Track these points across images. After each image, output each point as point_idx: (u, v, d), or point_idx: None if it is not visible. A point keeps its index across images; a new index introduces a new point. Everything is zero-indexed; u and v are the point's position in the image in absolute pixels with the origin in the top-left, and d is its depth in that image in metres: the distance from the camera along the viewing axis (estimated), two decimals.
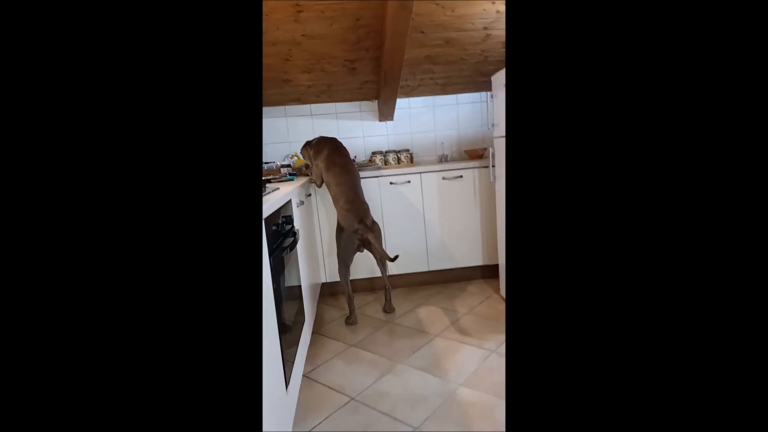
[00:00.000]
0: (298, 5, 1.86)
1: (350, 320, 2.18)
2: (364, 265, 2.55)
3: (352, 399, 1.52)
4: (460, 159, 2.87)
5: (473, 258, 2.62)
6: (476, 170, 2.52)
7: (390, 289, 2.29)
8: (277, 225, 1.33)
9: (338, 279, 2.26)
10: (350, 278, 2.20)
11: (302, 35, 2.07)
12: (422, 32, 2.17)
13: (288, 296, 1.40)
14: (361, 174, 2.46)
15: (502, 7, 2.04)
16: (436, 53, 2.38)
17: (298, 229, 1.65)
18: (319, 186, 2.29)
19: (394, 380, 1.62)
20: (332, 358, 1.84)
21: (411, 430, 1.33)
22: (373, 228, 2.10)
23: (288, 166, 2.63)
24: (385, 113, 2.80)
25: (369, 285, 2.67)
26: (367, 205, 2.15)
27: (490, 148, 2.35)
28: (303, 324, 1.68)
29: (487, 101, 2.94)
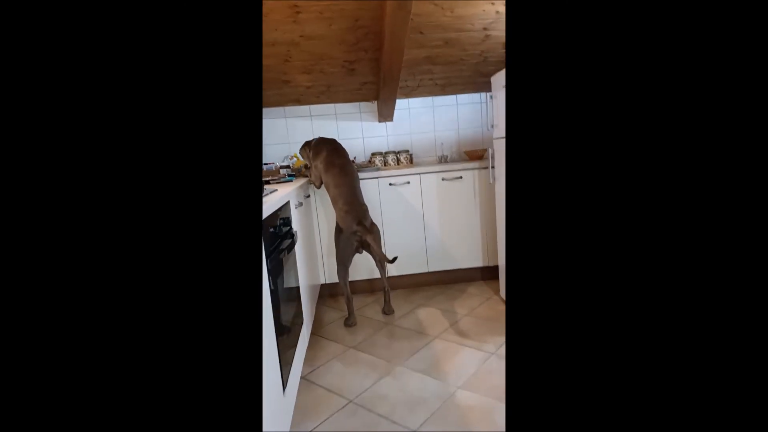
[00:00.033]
0: (296, 6, 1.85)
1: (349, 322, 2.17)
2: (363, 267, 2.54)
3: (351, 401, 1.51)
4: (460, 160, 2.87)
5: (473, 259, 2.61)
6: (476, 171, 2.51)
7: (389, 290, 2.28)
8: (275, 227, 1.32)
9: (338, 280, 2.25)
10: (350, 279, 2.19)
11: (301, 36, 2.07)
12: (421, 33, 2.16)
13: (286, 298, 1.39)
14: (361, 175, 2.45)
15: (502, 8, 2.03)
16: (435, 54, 2.37)
17: (296, 231, 1.65)
18: (318, 187, 2.28)
19: (393, 382, 1.61)
20: (331, 359, 1.83)
21: None
22: (372, 229, 2.10)
23: (287, 167, 2.62)
24: (385, 114, 2.79)
25: (368, 286, 2.66)
26: (365, 206, 2.14)
27: (490, 149, 2.34)
28: (301, 326, 1.67)
29: (486, 102, 2.93)
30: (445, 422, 1.35)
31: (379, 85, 2.56)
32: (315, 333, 2.12)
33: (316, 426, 1.39)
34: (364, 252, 2.20)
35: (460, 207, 2.55)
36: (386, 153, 2.77)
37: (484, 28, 2.18)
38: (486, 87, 2.82)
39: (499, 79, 2.06)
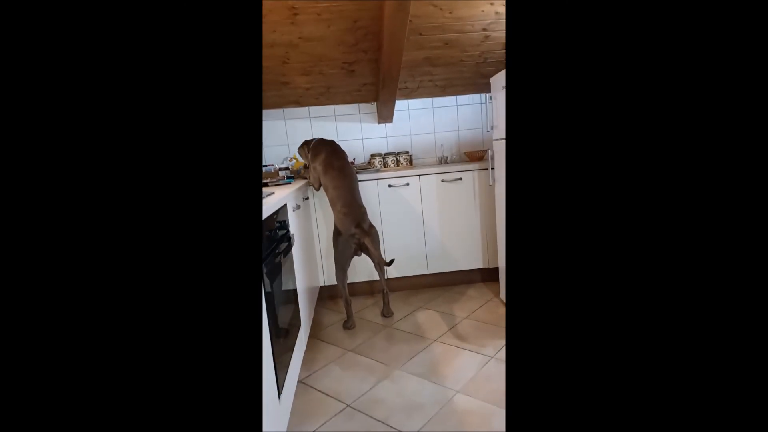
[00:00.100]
0: (294, 7, 1.84)
1: (348, 324, 2.16)
2: (362, 269, 2.53)
3: (348, 406, 1.50)
4: (460, 161, 2.85)
5: (473, 261, 2.60)
6: (475, 172, 2.50)
7: (388, 293, 2.27)
8: (271, 231, 1.31)
9: (336, 283, 2.25)
10: (349, 281, 2.18)
11: (299, 37, 2.06)
12: (421, 34, 2.15)
13: (283, 301, 1.38)
14: (360, 177, 2.44)
15: (501, 9, 2.02)
16: (435, 55, 2.36)
17: (293, 234, 1.64)
18: (317, 189, 2.28)
19: (391, 386, 1.60)
20: (329, 363, 1.82)
21: None
22: (370, 232, 2.08)
23: (286, 168, 2.61)
24: (384, 115, 2.78)
25: (368, 288, 2.65)
26: (364, 208, 2.13)
27: (490, 151, 2.32)
28: (299, 329, 1.66)
29: (486, 102, 2.91)
30: (443, 427, 1.34)
31: (378, 86, 2.55)
32: (313, 336, 2.12)
33: (313, 431, 1.38)
34: (363, 254, 2.19)
35: (460, 208, 2.53)
36: (386, 154, 2.76)
37: (484, 29, 2.17)
38: (486, 88, 2.81)
39: (498, 81, 2.04)
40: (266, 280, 1.14)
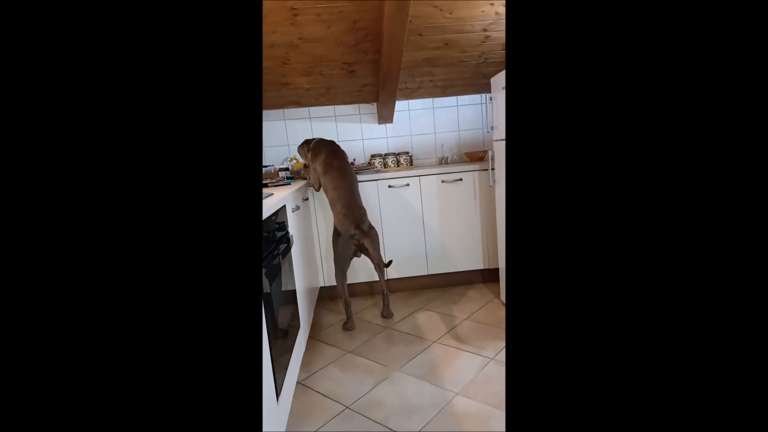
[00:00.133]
0: (293, 8, 1.84)
1: (347, 326, 2.16)
2: (362, 269, 2.53)
3: (347, 407, 1.50)
4: (461, 161, 2.85)
5: (474, 262, 2.59)
6: (476, 173, 2.49)
7: (388, 294, 2.27)
8: (270, 232, 1.31)
9: (336, 284, 2.24)
10: (349, 282, 2.18)
11: (299, 38, 2.06)
12: (420, 35, 2.14)
13: (282, 302, 1.38)
14: (360, 177, 2.44)
15: (501, 9, 2.01)
16: (435, 55, 2.35)
17: (291, 235, 1.64)
18: (317, 189, 2.27)
19: (390, 388, 1.60)
20: (328, 364, 1.82)
21: None
22: (370, 233, 2.08)
23: (286, 169, 2.61)
24: (385, 116, 2.78)
25: (368, 289, 2.65)
26: (364, 209, 2.12)
27: (490, 151, 2.32)
28: (298, 330, 1.66)
29: (487, 103, 2.91)
30: (442, 430, 1.34)
31: (378, 86, 2.55)
32: (313, 337, 2.11)
33: None
34: (363, 255, 2.18)
35: (461, 209, 2.53)
36: (386, 155, 2.76)
37: (484, 30, 2.16)
38: (487, 88, 2.80)
39: (499, 81, 2.04)
40: (264, 281, 1.14)
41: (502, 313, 2.20)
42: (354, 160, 2.84)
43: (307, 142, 2.34)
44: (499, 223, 2.23)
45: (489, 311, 2.24)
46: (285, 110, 2.81)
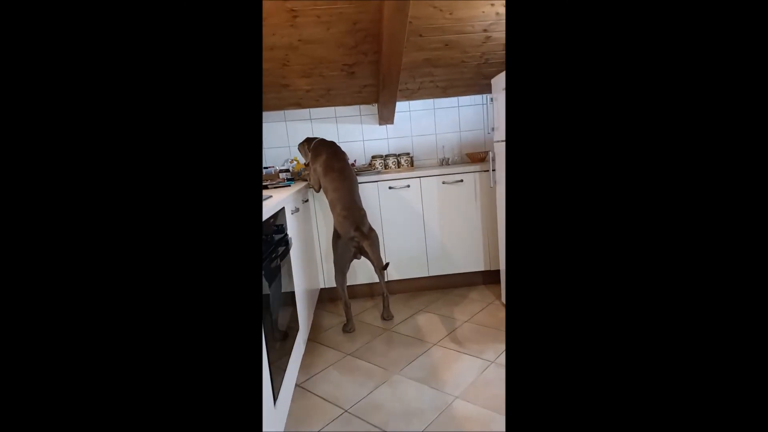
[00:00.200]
0: (293, 10, 1.83)
1: (347, 328, 2.15)
2: (363, 271, 2.52)
3: (346, 411, 1.49)
4: (462, 162, 2.84)
5: (474, 263, 2.58)
6: (477, 174, 2.48)
7: (388, 296, 2.26)
8: (267, 235, 1.30)
9: (336, 285, 2.24)
10: (349, 284, 2.17)
11: (299, 40, 2.05)
12: (421, 35, 2.14)
13: (280, 304, 1.38)
14: (360, 178, 2.43)
15: (502, 10, 2.00)
16: (435, 56, 2.34)
17: (290, 237, 1.63)
18: (317, 191, 2.27)
19: (389, 392, 1.59)
20: (327, 367, 1.81)
21: None
22: (370, 235, 2.07)
23: (287, 170, 2.61)
24: (385, 117, 2.77)
25: (368, 290, 2.64)
26: (364, 211, 2.12)
27: (491, 152, 2.31)
28: (297, 332, 1.65)
29: (488, 103, 2.89)
30: None
31: (379, 87, 2.54)
32: (313, 339, 2.11)
33: None
34: (363, 257, 2.18)
35: (461, 210, 2.52)
36: (386, 156, 2.75)
37: (484, 30, 2.15)
38: (488, 89, 2.79)
39: (499, 82, 2.03)
40: (263, 283, 1.13)
41: (503, 315, 2.19)
42: (355, 161, 2.84)
43: (308, 141, 2.33)
44: (500, 224, 2.22)
45: (490, 313, 2.23)
46: (285, 111, 2.80)
